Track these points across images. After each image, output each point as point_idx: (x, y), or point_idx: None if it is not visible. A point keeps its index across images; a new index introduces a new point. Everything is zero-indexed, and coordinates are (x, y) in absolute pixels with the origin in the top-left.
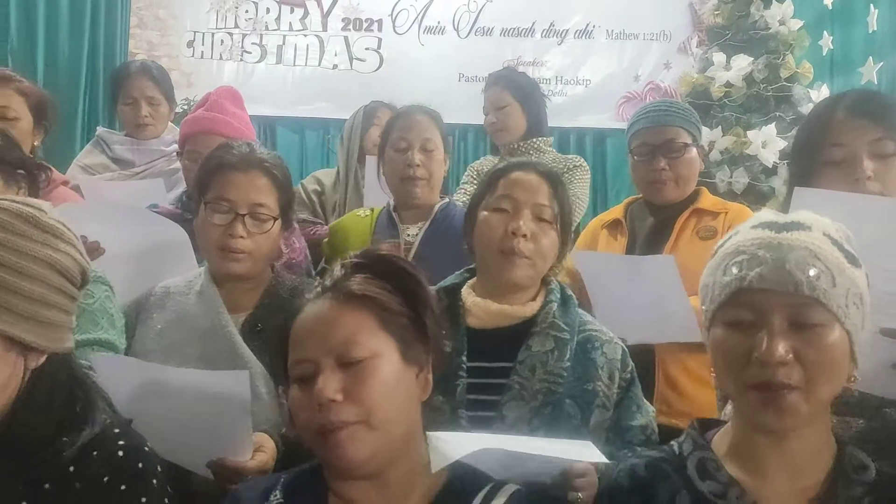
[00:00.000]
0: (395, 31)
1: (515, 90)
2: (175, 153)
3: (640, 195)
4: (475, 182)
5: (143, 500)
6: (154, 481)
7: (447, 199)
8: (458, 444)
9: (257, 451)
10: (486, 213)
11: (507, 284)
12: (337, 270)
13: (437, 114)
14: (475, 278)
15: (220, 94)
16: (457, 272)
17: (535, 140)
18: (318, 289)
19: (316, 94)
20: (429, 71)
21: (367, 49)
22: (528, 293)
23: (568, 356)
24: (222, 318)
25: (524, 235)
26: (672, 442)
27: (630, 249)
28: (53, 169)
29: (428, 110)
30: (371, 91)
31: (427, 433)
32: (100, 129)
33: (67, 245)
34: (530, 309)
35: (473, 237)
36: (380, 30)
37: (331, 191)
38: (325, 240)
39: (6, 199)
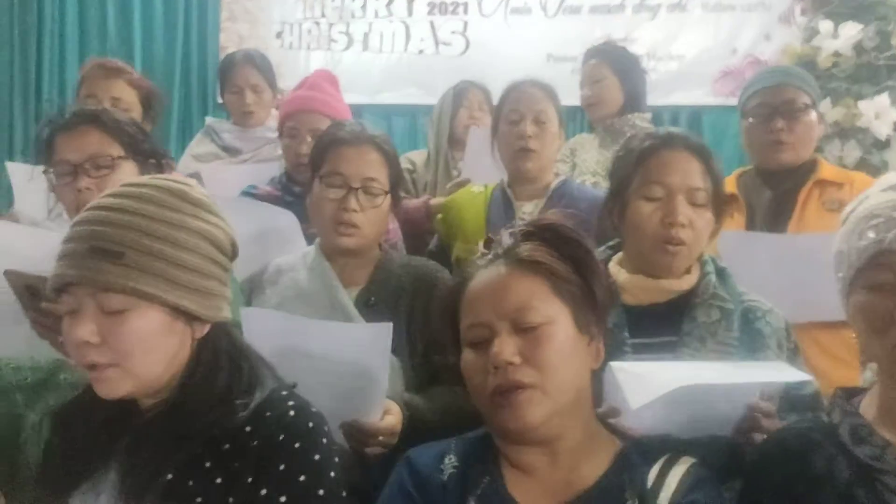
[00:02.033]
0: (480, 13)
1: (613, 63)
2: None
3: (749, 167)
4: (567, 160)
5: (316, 457)
6: (324, 440)
7: (564, 177)
8: (650, 381)
9: (386, 414)
10: (637, 201)
11: (662, 270)
12: (506, 238)
13: (550, 87)
14: (621, 254)
15: (318, 75)
16: (599, 249)
17: (631, 116)
18: (490, 256)
19: (402, 80)
20: (516, 52)
21: (452, 33)
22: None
23: (735, 326)
24: (337, 293)
25: (681, 224)
26: (818, 413)
27: (750, 226)
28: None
29: (541, 83)
30: (457, 75)
31: (610, 363)
32: (209, 120)
33: (216, 217)
34: (687, 282)
35: (624, 222)
36: (465, 13)
37: (422, 170)
38: (439, 216)
39: (156, 177)
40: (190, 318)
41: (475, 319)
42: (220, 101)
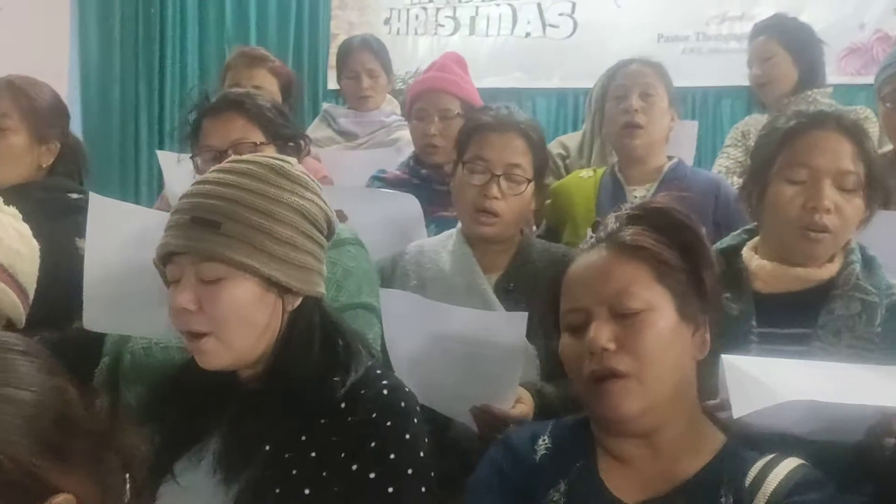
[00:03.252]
0: None
1: (784, 38)
2: (394, 123)
3: (889, 149)
4: (739, 144)
5: (407, 436)
6: (415, 419)
7: (677, 159)
8: (760, 386)
9: (518, 402)
10: (778, 183)
11: (802, 258)
12: (611, 222)
13: (659, 65)
14: (756, 239)
15: (447, 57)
16: (733, 233)
17: (808, 93)
18: (592, 240)
19: (508, 64)
20: (626, 33)
21: (560, 15)
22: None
23: (878, 321)
24: (477, 277)
25: (826, 210)
26: None
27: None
28: None
29: (649, 60)
30: (565, 58)
31: (722, 356)
32: (326, 105)
33: (313, 194)
34: (827, 271)
35: (763, 206)
36: None
37: (576, 155)
38: (547, 201)
39: (259, 155)
40: (282, 290)
41: (573, 304)
42: (329, 87)
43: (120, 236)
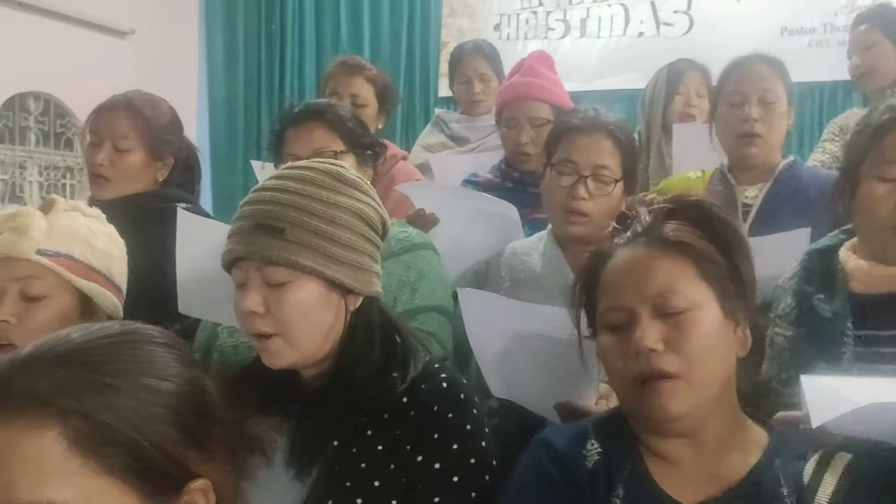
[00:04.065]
0: None
1: (887, 27)
2: None
3: None
4: (837, 140)
5: (468, 427)
6: (474, 410)
7: (792, 158)
8: (840, 397)
9: (600, 398)
10: (869, 181)
11: None
12: (646, 216)
13: (777, 61)
14: (853, 239)
15: (534, 58)
16: (830, 234)
17: None
18: (629, 234)
19: (621, 65)
20: (746, 27)
21: (675, 12)
22: None
23: None
24: (568, 280)
25: None
26: None
27: None
28: (392, 145)
29: (767, 57)
30: (680, 55)
31: (801, 377)
32: (438, 111)
33: (368, 197)
34: None
35: (855, 205)
36: None
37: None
38: None
39: (315, 161)
40: (344, 290)
41: (614, 302)
42: (441, 94)
43: (205, 245)
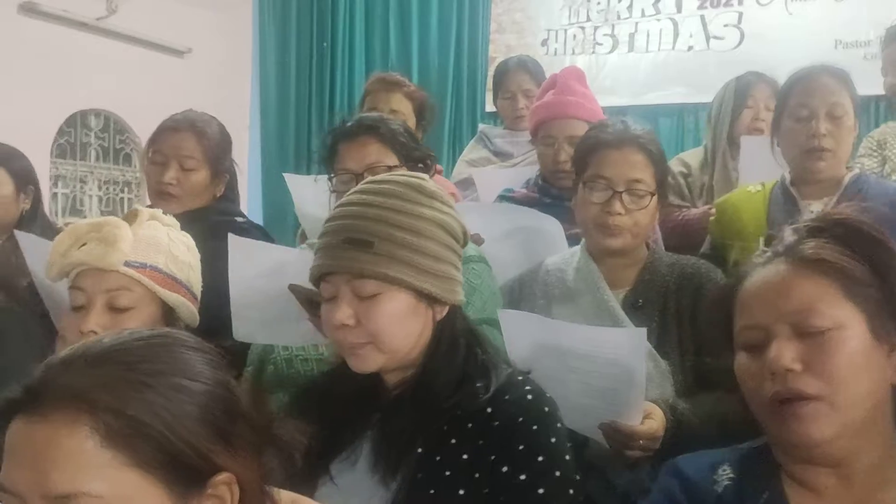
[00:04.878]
0: (758, 2)
1: None
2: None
3: None
4: (874, 155)
5: (553, 440)
6: (558, 424)
7: (857, 171)
8: None
9: (646, 418)
10: None
11: None
12: (788, 235)
13: (844, 73)
14: None
15: (567, 75)
16: None
17: None
18: (768, 254)
19: (669, 79)
20: (797, 41)
21: (725, 26)
22: None
23: None
24: (604, 294)
25: None
26: None
27: None
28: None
29: (833, 69)
30: (730, 70)
31: None
32: (482, 126)
33: (449, 207)
34: None
35: None
36: (740, 3)
37: (698, 172)
38: (712, 218)
39: (395, 174)
40: (431, 300)
41: (750, 321)
42: (487, 109)
43: (257, 268)
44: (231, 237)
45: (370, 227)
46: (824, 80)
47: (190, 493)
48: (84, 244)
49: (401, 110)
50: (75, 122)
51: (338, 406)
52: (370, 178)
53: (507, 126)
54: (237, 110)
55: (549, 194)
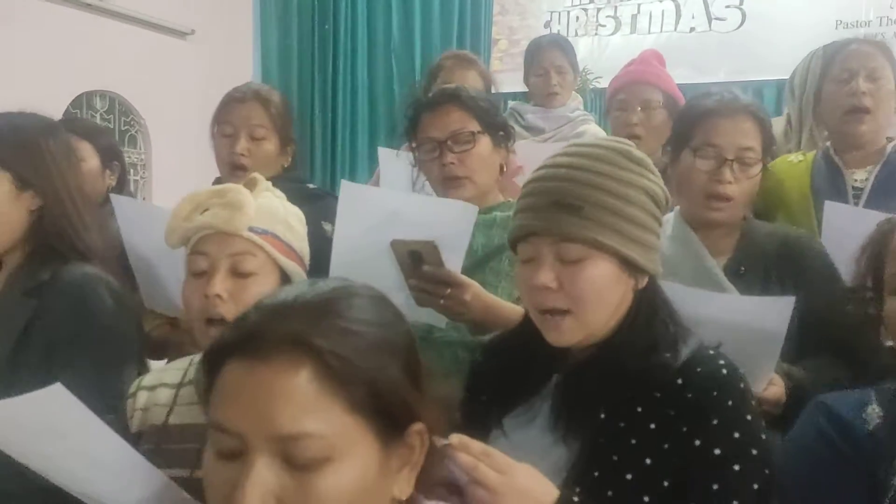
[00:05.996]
0: None
1: None
2: (579, 118)
3: None
4: None
5: (748, 417)
6: (753, 402)
7: None
8: None
9: (769, 384)
10: None
11: None
12: None
13: (884, 44)
14: None
15: (647, 53)
16: None
17: None
18: None
19: (672, 60)
20: (799, 21)
21: (727, 7)
22: None
23: None
24: (707, 262)
25: None
26: None
27: None
28: None
29: (873, 40)
30: (732, 50)
31: None
32: (512, 103)
33: (655, 175)
34: None
35: None
36: None
37: (782, 140)
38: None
39: (602, 139)
40: (634, 269)
41: None
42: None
43: (367, 220)
44: (343, 182)
45: (580, 191)
46: (865, 47)
47: (393, 441)
48: (206, 209)
49: (476, 88)
50: (80, 103)
51: (520, 361)
52: (575, 141)
53: (537, 102)
54: None
55: None
